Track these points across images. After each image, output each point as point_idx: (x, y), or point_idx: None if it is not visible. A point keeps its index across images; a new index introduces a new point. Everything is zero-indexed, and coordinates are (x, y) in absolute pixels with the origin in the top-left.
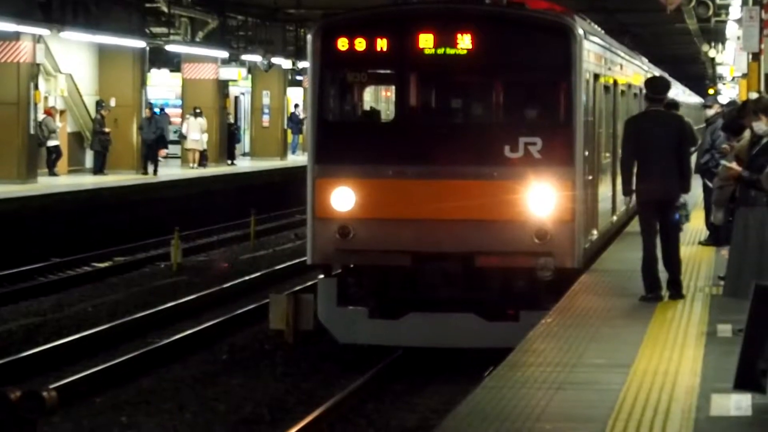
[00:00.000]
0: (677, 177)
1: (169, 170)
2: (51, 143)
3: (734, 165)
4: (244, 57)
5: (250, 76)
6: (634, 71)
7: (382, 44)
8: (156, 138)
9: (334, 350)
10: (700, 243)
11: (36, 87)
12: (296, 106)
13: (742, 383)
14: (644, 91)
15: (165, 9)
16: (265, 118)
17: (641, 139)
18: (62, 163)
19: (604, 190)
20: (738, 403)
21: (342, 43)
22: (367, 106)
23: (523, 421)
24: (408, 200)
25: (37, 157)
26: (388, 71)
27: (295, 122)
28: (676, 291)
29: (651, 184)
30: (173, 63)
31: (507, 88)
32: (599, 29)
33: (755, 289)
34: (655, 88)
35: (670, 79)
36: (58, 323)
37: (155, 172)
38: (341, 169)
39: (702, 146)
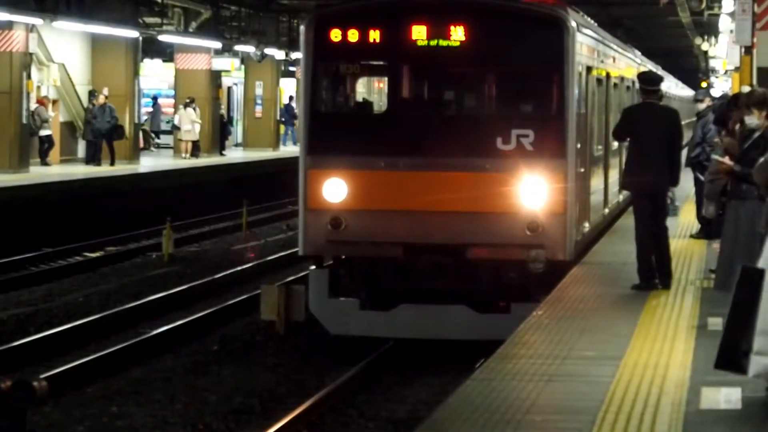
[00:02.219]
0: (668, 169)
1: (162, 160)
2: (43, 133)
3: (726, 159)
4: (237, 47)
5: (243, 66)
6: (626, 64)
7: (375, 36)
8: (110, 127)
9: (325, 341)
10: (691, 236)
11: (29, 76)
12: (291, 98)
13: (723, 363)
14: (638, 84)
15: None
16: (258, 109)
17: (636, 130)
18: (54, 153)
19: (596, 182)
20: (728, 397)
21: (335, 35)
22: (359, 98)
23: (513, 413)
24: (400, 192)
25: (29, 147)
26: (381, 63)
27: (291, 114)
28: (664, 281)
29: (644, 176)
30: (166, 53)
31: (499, 80)
32: (592, 22)
33: (742, 270)
34: (649, 80)
35: (663, 72)
36: (49, 313)
37: (112, 162)
38: (333, 161)
39: (693, 139)
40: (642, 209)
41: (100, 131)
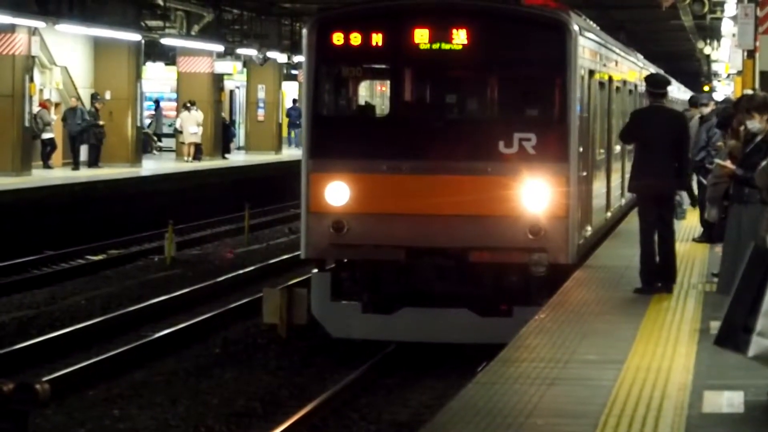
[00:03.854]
0: (675, 173)
1: (164, 164)
2: (46, 136)
3: (728, 163)
4: (240, 51)
5: (245, 70)
6: (629, 68)
7: (377, 39)
8: (81, 130)
9: (327, 345)
10: (694, 240)
11: (31, 79)
12: (294, 101)
13: (723, 340)
14: (645, 86)
15: (160, 2)
16: (260, 112)
17: (643, 133)
18: (57, 156)
19: (599, 186)
20: (730, 400)
21: (337, 38)
22: (362, 101)
23: (515, 417)
24: (402, 195)
25: (31, 150)
26: (383, 66)
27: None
28: (667, 285)
29: (651, 179)
30: (168, 56)
31: (502, 83)
32: (594, 25)
33: (753, 249)
34: (656, 83)
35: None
36: (51, 316)
37: (77, 166)
38: (336, 164)
39: (697, 143)
40: (647, 212)
41: (71, 134)
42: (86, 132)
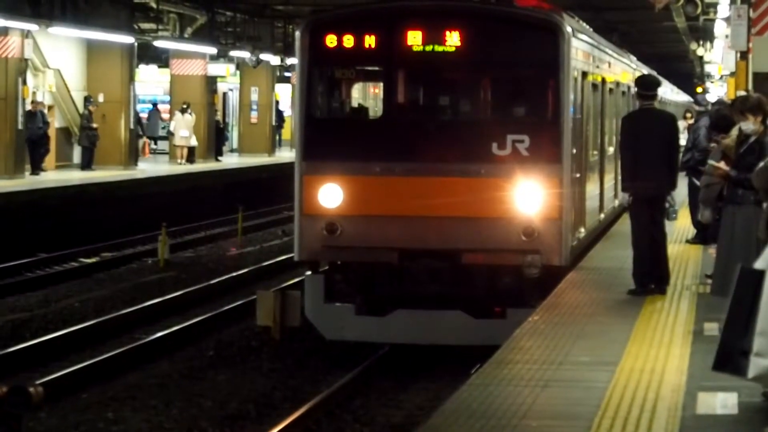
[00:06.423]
0: (668, 173)
1: (158, 166)
2: None
3: (722, 165)
4: (233, 53)
5: (238, 72)
6: (622, 69)
7: (370, 41)
8: (42, 134)
9: (320, 347)
10: (687, 241)
11: (24, 82)
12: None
13: (721, 365)
14: (635, 89)
15: (153, 5)
16: (253, 115)
17: (638, 137)
18: (50, 159)
19: (592, 187)
20: (724, 402)
21: (330, 40)
22: (355, 103)
23: (509, 419)
24: (395, 197)
25: (24, 153)
26: (377, 68)
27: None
28: (660, 287)
29: (646, 181)
30: (161, 59)
31: (495, 85)
32: (587, 27)
33: (741, 271)
34: (647, 85)
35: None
36: (44, 319)
37: (37, 171)
38: (329, 166)
39: (685, 145)
40: (640, 214)
41: (31, 139)
42: (46, 137)
